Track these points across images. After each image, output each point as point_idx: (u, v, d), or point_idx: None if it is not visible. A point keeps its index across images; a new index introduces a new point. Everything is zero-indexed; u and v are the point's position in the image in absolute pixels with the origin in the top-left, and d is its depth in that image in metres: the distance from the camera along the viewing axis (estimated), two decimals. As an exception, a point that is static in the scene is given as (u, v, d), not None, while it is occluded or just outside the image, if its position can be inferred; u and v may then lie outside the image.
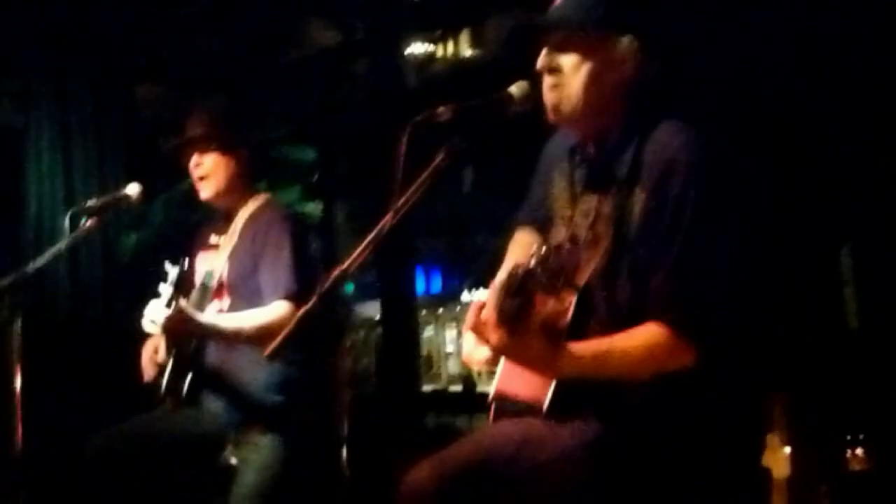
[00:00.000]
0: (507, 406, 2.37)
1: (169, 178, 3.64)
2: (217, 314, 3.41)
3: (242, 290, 3.45)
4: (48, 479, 3.49)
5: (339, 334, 2.17)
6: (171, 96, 5.92)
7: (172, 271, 3.16)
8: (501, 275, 2.47)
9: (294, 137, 7.06)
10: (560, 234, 2.43)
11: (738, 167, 2.35)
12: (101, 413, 4.01)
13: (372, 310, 7.05)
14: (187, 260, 3.22)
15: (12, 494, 3.12)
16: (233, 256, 3.50)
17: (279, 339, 2.14)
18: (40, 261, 3.27)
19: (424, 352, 7.16)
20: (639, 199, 2.25)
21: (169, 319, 3.14)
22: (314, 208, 7.43)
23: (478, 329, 2.12)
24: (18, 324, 3.12)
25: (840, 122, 4.13)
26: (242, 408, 3.39)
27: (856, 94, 4.06)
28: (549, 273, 1.98)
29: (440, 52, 6.42)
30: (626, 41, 2.32)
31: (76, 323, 5.17)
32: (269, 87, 6.36)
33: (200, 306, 3.48)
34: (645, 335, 2.19)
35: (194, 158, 3.52)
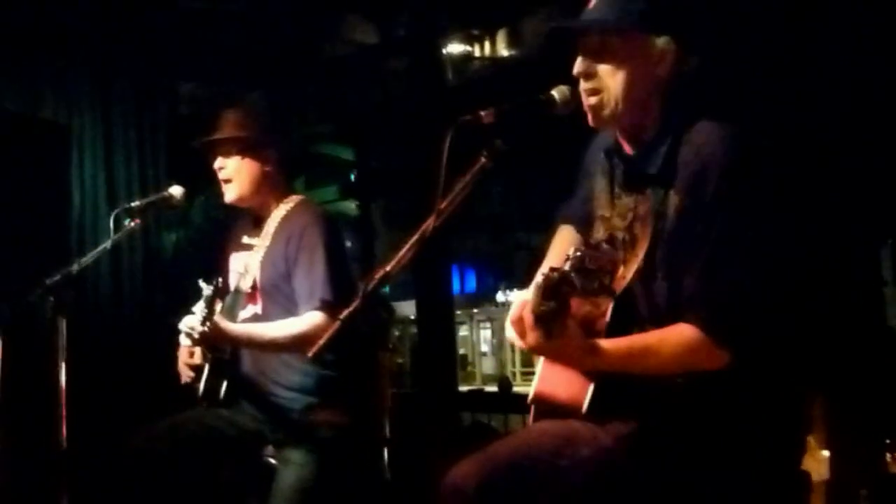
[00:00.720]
0: (547, 407, 2.38)
1: (210, 176, 3.64)
2: (251, 325, 3.40)
3: (276, 296, 3.44)
4: (93, 474, 3.52)
5: (381, 334, 2.18)
6: (213, 94, 5.96)
7: (207, 289, 3.14)
8: (538, 276, 2.49)
9: (332, 136, 7.09)
10: (598, 233, 2.43)
11: (774, 168, 2.34)
12: (144, 409, 4.05)
13: (407, 309, 7.09)
14: (220, 280, 3.21)
15: (58, 490, 3.15)
16: (266, 260, 3.48)
17: (323, 340, 2.15)
18: (85, 260, 3.31)
19: (459, 351, 7.18)
20: (674, 200, 2.25)
21: (203, 335, 3.16)
22: (350, 207, 7.47)
23: (517, 326, 2.14)
24: (63, 322, 3.15)
25: (880, 122, 4.11)
26: (280, 410, 3.40)
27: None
28: (585, 276, 1.99)
29: (477, 52, 6.43)
30: (661, 41, 2.30)
31: (118, 320, 5.23)
32: (308, 85, 6.39)
33: (233, 311, 3.49)
34: (677, 336, 2.19)
35: (218, 161, 3.51)
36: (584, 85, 2.34)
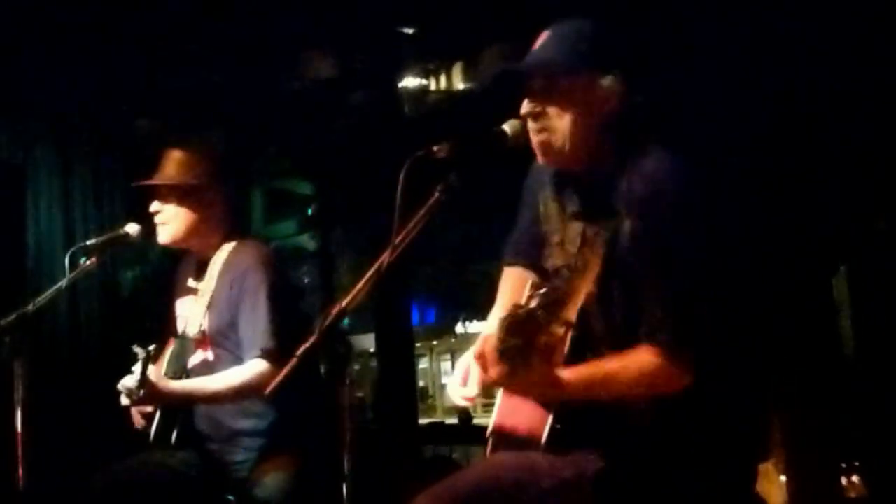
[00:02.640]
0: (505, 440, 2.40)
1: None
2: (191, 381, 3.35)
3: (225, 343, 3.40)
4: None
5: (340, 370, 2.19)
6: (171, 131, 5.95)
7: (141, 353, 3.08)
8: (499, 314, 2.51)
9: (291, 170, 7.09)
10: (556, 260, 2.46)
11: (726, 194, 2.38)
12: (103, 450, 4.00)
13: (367, 342, 7.06)
14: (153, 347, 3.16)
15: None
16: (212, 307, 3.43)
17: (280, 377, 2.17)
18: (41, 300, 3.28)
19: (419, 384, 7.16)
20: (627, 226, 2.28)
21: (141, 399, 3.14)
22: (308, 241, 7.47)
23: (480, 360, 2.17)
24: (19, 363, 3.11)
25: (835, 149, 4.17)
26: (235, 452, 3.38)
27: (851, 120, 4.10)
28: (549, 312, 2.02)
29: (433, 85, 6.47)
30: (608, 80, 2.35)
31: (75, 359, 5.18)
32: (266, 119, 6.40)
33: (182, 358, 3.44)
34: (638, 359, 2.22)
35: (154, 204, 3.47)
36: (532, 124, 2.38)
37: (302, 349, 2.13)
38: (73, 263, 3.38)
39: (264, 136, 6.60)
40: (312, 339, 2.13)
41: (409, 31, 5.82)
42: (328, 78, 6.35)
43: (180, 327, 3.55)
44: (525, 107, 2.38)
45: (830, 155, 4.20)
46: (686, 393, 2.23)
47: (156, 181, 3.48)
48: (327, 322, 2.13)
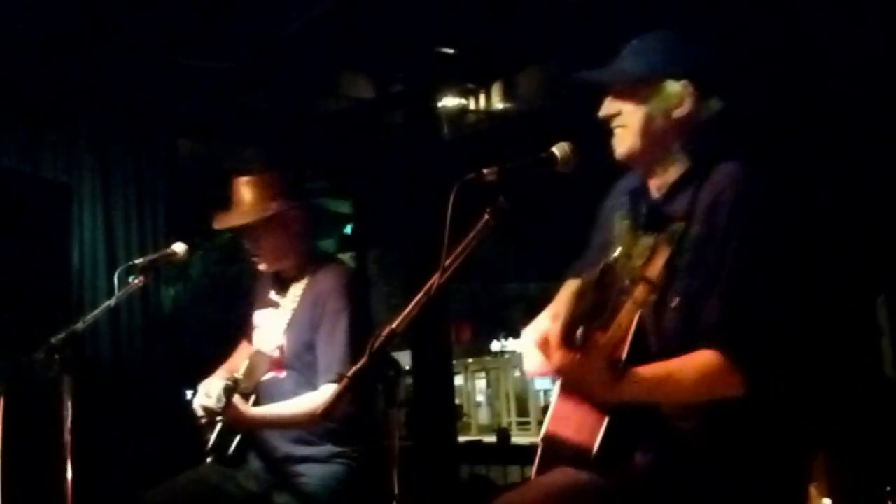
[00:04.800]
0: (556, 447, 2.39)
1: (208, 231, 3.63)
2: (268, 407, 3.35)
3: (299, 366, 3.40)
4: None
5: (390, 392, 2.20)
6: (212, 150, 6.02)
7: (228, 381, 3.15)
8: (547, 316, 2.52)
9: (330, 190, 7.13)
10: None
11: (787, 201, 2.40)
12: (146, 464, 4.04)
13: (401, 360, 7.06)
14: (236, 378, 3.18)
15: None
16: (292, 327, 3.43)
17: (331, 397, 2.18)
18: (90, 317, 3.31)
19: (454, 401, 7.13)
20: (693, 232, 2.31)
21: (221, 422, 3.25)
22: (349, 259, 7.49)
23: (543, 348, 2.19)
24: (68, 379, 3.15)
25: (879, 171, 4.15)
26: (286, 472, 3.38)
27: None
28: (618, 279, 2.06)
29: (472, 105, 6.50)
30: (679, 85, 2.41)
31: (118, 376, 5.21)
32: (305, 138, 6.43)
33: (255, 373, 3.40)
34: (698, 362, 2.23)
35: (245, 242, 3.48)
36: (611, 123, 2.46)
37: (352, 371, 2.14)
38: (121, 282, 3.40)
39: (303, 155, 6.65)
40: (362, 361, 2.14)
41: (448, 51, 5.86)
42: (367, 97, 6.41)
43: (257, 338, 3.57)
44: (603, 108, 2.47)
45: (874, 176, 4.18)
46: (741, 402, 2.23)
47: (243, 220, 3.47)
48: (377, 344, 2.14)
